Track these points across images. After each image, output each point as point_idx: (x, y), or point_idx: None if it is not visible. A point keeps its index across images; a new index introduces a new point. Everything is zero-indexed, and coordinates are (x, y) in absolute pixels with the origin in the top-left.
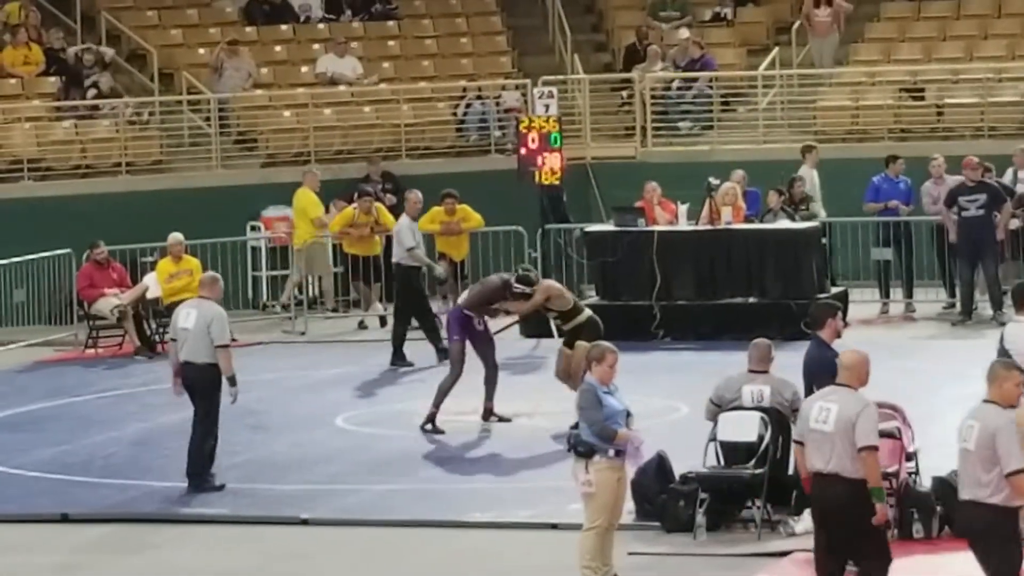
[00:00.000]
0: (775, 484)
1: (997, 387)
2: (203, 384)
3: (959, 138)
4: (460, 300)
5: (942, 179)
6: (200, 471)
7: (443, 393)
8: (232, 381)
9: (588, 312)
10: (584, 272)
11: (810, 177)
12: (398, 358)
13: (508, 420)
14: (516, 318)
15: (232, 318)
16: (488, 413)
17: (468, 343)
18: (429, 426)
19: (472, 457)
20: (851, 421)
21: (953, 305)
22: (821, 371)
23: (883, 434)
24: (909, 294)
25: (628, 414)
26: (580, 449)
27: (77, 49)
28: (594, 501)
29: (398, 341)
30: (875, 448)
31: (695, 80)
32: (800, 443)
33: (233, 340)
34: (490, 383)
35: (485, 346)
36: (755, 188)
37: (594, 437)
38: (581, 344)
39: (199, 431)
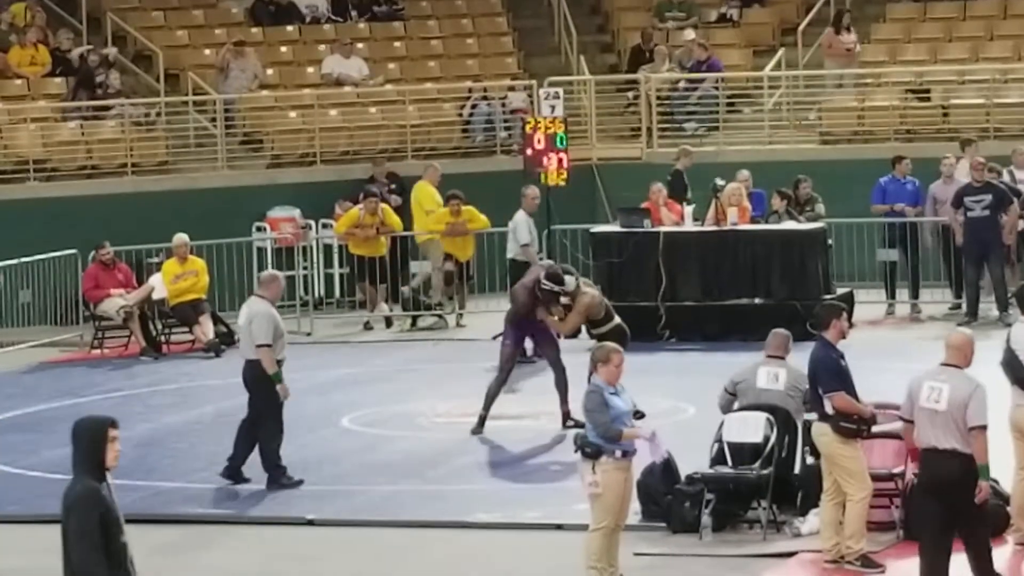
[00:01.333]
0: (781, 485)
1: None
2: (252, 381)
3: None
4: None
5: (952, 179)
6: (274, 466)
7: (491, 397)
8: (276, 378)
9: (617, 320)
10: (591, 272)
11: (967, 172)
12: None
13: (583, 425)
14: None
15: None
16: (566, 417)
17: (535, 345)
18: (480, 429)
19: (478, 458)
20: (964, 402)
21: (959, 306)
22: (826, 372)
23: (889, 435)
24: (915, 295)
25: (641, 415)
26: (587, 450)
27: (82, 50)
28: (600, 502)
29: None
30: (985, 427)
31: (701, 81)
32: (909, 421)
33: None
34: (561, 385)
35: (548, 348)
36: (760, 189)
37: (600, 438)
38: None
39: (261, 430)
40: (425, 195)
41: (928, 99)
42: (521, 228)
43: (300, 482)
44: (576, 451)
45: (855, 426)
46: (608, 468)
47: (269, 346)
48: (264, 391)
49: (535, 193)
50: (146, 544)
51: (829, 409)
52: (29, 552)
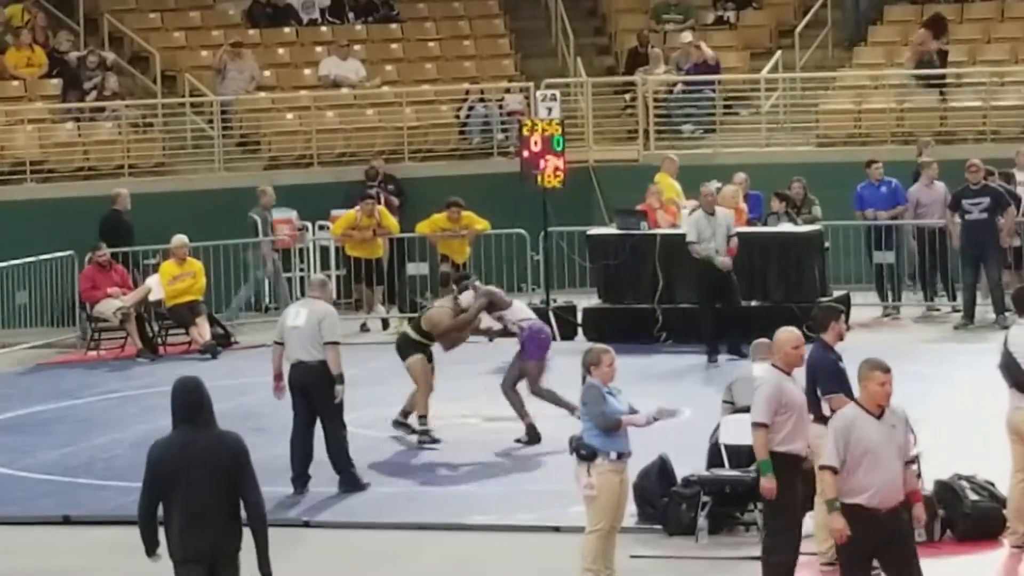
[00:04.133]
0: None
1: (862, 387)
2: (317, 382)
3: (961, 142)
4: None
5: (933, 183)
6: (348, 466)
7: (558, 399)
8: (339, 379)
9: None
10: (587, 274)
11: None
12: (713, 353)
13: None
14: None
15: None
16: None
17: None
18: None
19: (474, 460)
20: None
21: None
22: (825, 373)
23: None
24: (898, 297)
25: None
26: (582, 452)
27: (81, 53)
28: (596, 504)
29: (708, 337)
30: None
31: (699, 83)
32: None
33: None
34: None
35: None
36: (757, 191)
37: (598, 429)
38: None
39: (330, 430)
40: (667, 187)
41: (943, 101)
42: (690, 225)
43: (367, 484)
44: (571, 453)
45: None
46: (603, 470)
47: (337, 343)
48: (328, 392)
49: (710, 190)
50: (139, 546)
51: (827, 411)
52: (25, 553)
